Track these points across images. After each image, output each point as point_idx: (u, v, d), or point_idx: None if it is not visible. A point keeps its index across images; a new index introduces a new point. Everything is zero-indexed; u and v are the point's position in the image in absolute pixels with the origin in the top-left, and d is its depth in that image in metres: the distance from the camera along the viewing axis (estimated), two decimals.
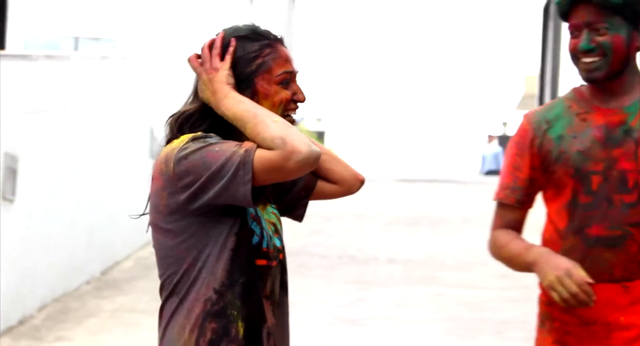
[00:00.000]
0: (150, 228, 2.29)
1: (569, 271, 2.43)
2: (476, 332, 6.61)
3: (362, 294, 7.83)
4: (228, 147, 2.15)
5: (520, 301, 7.14)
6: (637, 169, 2.53)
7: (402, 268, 8.99)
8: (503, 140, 24.22)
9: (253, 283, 2.22)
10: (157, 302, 2.30)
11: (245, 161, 2.12)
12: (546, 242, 2.63)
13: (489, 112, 32.56)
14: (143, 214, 2.31)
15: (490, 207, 2.71)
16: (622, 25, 2.52)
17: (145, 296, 7.56)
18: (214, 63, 2.23)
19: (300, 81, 2.28)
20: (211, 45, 2.26)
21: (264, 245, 2.25)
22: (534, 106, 25.19)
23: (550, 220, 2.63)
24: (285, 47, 2.28)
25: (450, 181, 17.17)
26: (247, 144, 2.15)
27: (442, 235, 10.98)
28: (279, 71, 2.24)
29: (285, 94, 2.24)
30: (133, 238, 9.37)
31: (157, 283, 2.28)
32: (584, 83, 2.64)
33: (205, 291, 2.20)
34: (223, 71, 2.22)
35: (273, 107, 2.23)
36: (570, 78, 19.20)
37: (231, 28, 2.28)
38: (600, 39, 2.52)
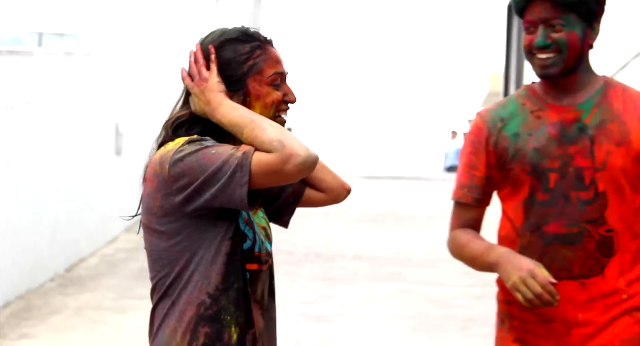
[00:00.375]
0: (141, 230, 2.29)
1: (533, 272, 2.43)
2: (441, 328, 6.64)
3: (328, 291, 7.84)
4: (225, 150, 2.15)
5: (485, 298, 7.18)
6: (593, 166, 2.53)
7: (368, 265, 9.02)
8: None
9: (247, 288, 2.22)
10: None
11: (243, 164, 2.12)
12: (502, 239, 2.63)
13: (455, 109, 32.69)
14: (135, 215, 2.31)
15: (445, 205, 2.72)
16: (577, 22, 2.52)
17: (110, 293, 7.52)
18: (202, 74, 2.24)
19: (290, 81, 2.30)
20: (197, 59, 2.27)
21: (256, 249, 2.25)
22: None
23: (506, 217, 2.63)
24: (275, 48, 2.29)
25: (416, 178, 17.24)
26: (244, 147, 2.15)
27: (407, 232, 11.01)
28: (270, 72, 2.25)
29: (276, 95, 2.25)
30: (98, 234, 9.31)
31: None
32: (536, 80, 2.64)
33: (198, 295, 2.20)
34: (212, 79, 2.23)
35: (265, 108, 2.24)
36: (534, 76, 19.28)
37: (220, 30, 2.28)
38: (555, 35, 2.52)
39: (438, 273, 8.58)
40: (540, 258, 2.53)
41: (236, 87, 2.23)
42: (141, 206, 2.26)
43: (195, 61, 2.25)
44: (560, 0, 2.50)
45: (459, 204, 2.67)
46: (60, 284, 7.90)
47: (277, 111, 2.26)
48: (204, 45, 2.26)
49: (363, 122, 32.93)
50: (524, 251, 2.55)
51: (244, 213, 2.23)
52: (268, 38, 2.28)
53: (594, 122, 2.55)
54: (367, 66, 33.16)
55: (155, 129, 2.35)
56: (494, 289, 2.69)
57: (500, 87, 23.70)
